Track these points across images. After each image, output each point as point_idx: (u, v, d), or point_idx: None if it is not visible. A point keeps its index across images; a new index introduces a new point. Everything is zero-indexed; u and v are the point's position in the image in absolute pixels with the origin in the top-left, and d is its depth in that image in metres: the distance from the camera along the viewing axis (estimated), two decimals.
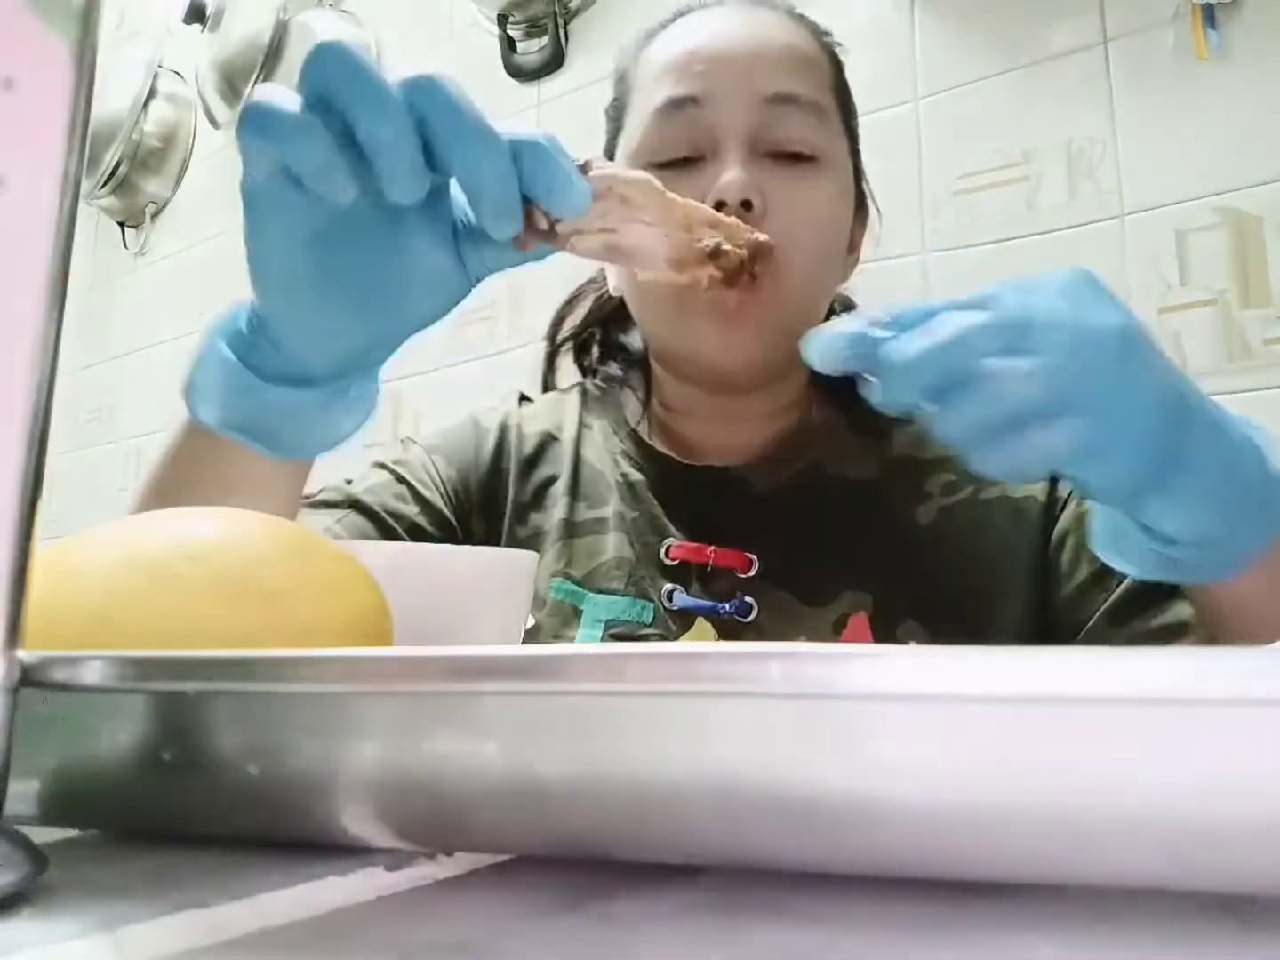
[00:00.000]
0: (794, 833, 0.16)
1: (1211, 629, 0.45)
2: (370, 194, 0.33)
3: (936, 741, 0.15)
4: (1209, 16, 0.90)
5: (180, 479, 0.42)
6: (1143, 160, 0.94)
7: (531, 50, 1.39)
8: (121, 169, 1.81)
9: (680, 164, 0.55)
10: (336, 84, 0.31)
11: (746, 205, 0.52)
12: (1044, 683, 0.15)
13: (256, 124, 0.32)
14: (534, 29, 1.40)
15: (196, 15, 1.72)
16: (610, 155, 0.62)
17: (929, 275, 1.03)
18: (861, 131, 0.62)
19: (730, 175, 0.52)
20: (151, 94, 1.80)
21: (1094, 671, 0.15)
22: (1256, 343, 0.87)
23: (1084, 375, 0.32)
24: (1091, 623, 0.53)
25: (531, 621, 0.57)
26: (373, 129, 0.31)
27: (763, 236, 0.35)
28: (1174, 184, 0.92)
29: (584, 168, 0.34)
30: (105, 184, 1.82)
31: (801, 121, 0.55)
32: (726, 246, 0.34)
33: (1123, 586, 0.52)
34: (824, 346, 0.33)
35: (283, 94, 0.32)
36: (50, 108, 0.17)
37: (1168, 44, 0.93)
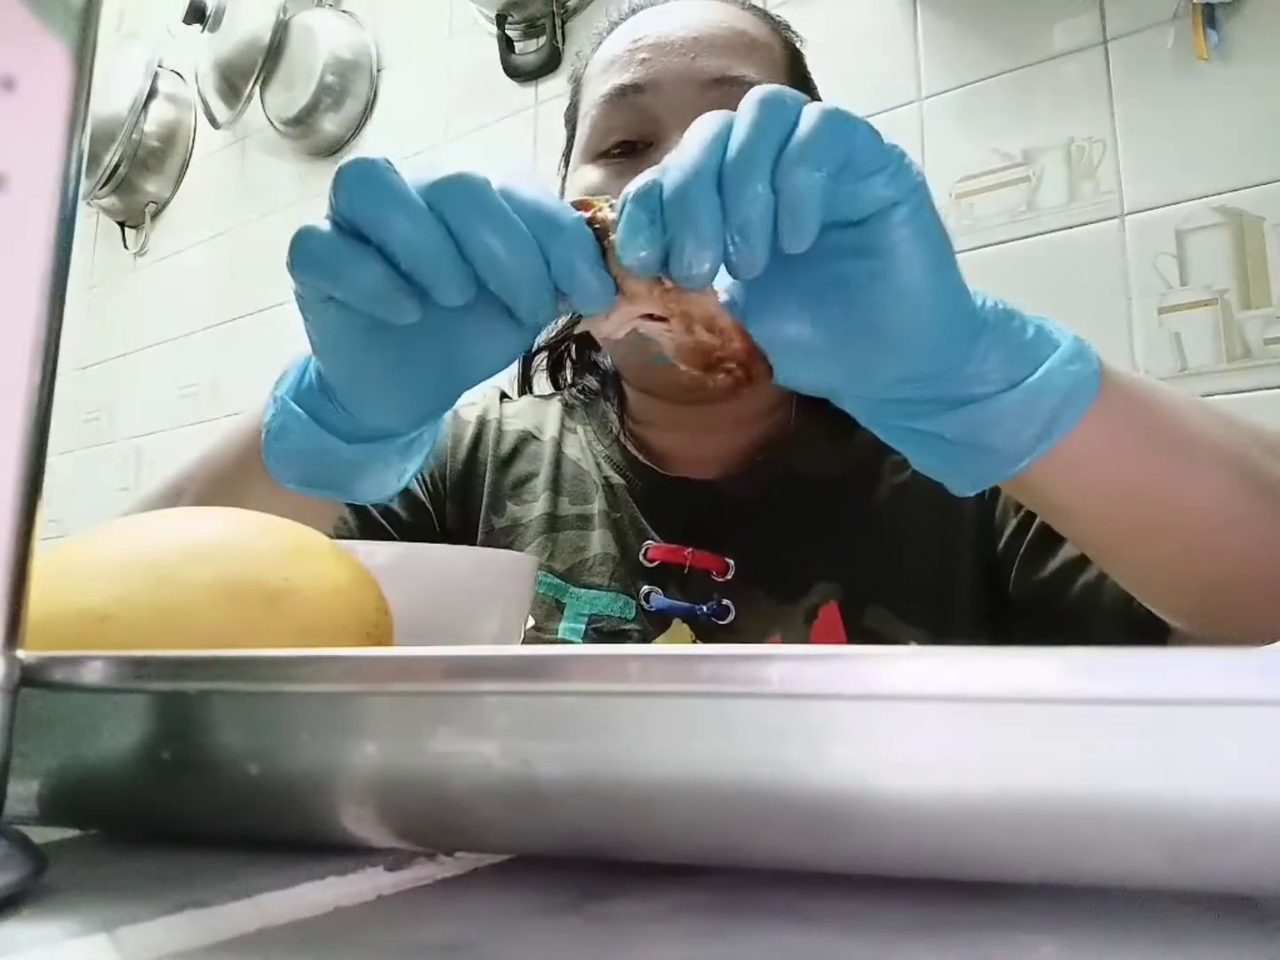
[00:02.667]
0: (793, 833, 0.16)
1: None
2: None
3: (936, 742, 0.15)
4: (1209, 16, 0.90)
5: (243, 489, 0.42)
6: (1143, 160, 0.94)
7: (529, 50, 1.40)
8: (121, 169, 1.82)
9: (626, 153, 0.56)
10: (361, 208, 0.31)
11: None
12: (1044, 683, 0.15)
13: (300, 262, 0.32)
14: (532, 29, 1.40)
15: (196, 15, 1.73)
16: (568, 160, 0.63)
17: None
18: None
19: None
20: (151, 94, 1.81)
21: (1094, 671, 0.15)
22: (1256, 343, 0.87)
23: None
24: (1016, 569, 0.54)
25: (531, 621, 0.57)
26: (405, 250, 0.31)
27: (762, 355, 0.34)
28: (1174, 184, 0.92)
29: (581, 205, 0.33)
30: (105, 184, 1.83)
31: None
32: (726, 361, 0.34)
33: (1033, 528, 0.53)
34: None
35: (320, 227, 0.32)
36: (50, 108, 0.17)
37: (1168, 44, 0.93)
